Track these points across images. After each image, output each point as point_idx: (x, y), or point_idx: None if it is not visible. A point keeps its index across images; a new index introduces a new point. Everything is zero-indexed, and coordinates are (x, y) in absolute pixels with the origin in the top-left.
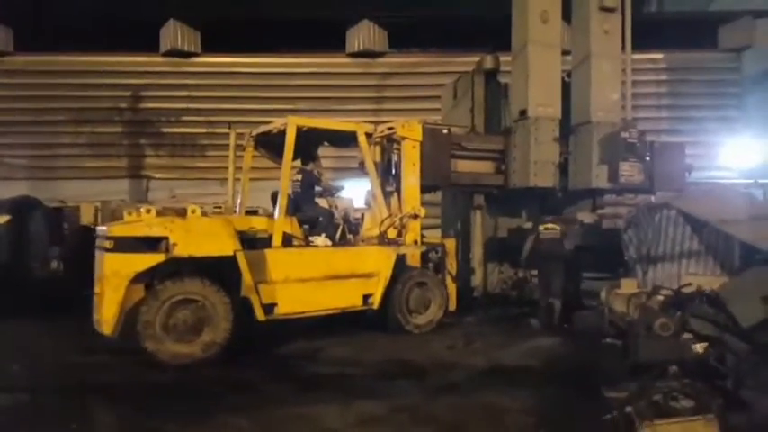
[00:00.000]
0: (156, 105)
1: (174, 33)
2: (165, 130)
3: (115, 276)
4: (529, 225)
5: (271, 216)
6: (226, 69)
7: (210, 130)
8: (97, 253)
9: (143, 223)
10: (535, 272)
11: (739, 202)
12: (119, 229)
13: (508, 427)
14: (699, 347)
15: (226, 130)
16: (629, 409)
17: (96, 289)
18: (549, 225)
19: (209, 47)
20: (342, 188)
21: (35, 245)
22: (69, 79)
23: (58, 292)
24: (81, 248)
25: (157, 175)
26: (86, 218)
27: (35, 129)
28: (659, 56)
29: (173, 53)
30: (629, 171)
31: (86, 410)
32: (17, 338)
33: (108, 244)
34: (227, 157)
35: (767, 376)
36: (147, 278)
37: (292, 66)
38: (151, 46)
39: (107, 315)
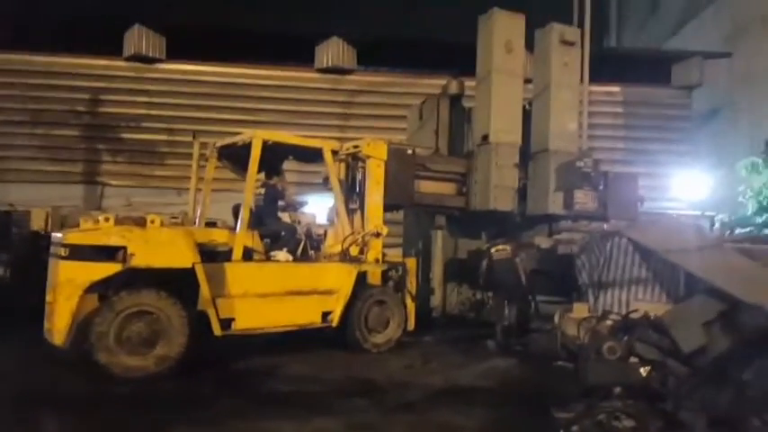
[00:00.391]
0: (116, 110)
1: (138, 38)
2: (123, 135)
3: (69, 285)
4: (486, 247)
5: (231, 229)
6: (190, 77)
7: (171, 138)
8: (51, 260)
9: (100, 231)
10: (490, 294)
11: (686, 232)
12: (75, 237)
13: None
14: (643, 371)
15: (186, 139)
16: (575, 428)
17: (48, 297)
18: (500, 246)
19: (175, 54)
20: (305, 203)
21: None
22: (27, 79)
23: (3, 300)
24: (30, 254)
25: (113, 182)
26: (37, 223)
27: None
28: (616, 89)
29: (136, 58)
30: (583, 199)
31: (37, 423)
32: None
33: (63, 251)
34: (187, 166)
35: (705, 398)
36: (102, 288)
37: (259, 77)
38: (114, 49)
39: (59, 325)
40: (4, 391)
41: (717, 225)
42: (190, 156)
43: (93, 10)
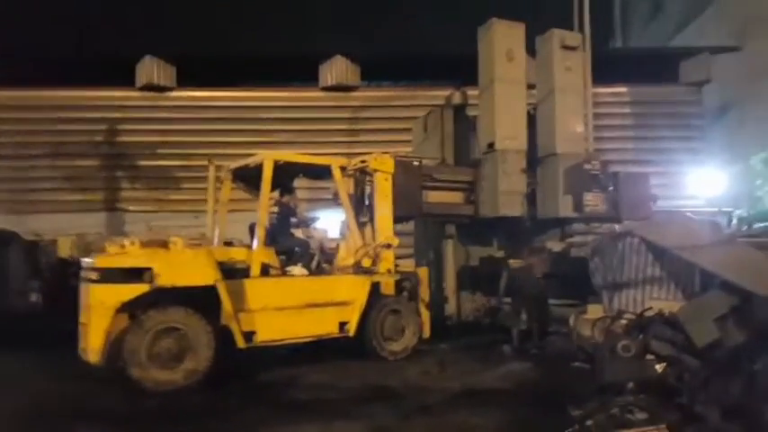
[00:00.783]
0: (132, 139)
1: (150, 68)
2: (140, 163)
3: (101, 306)
4: (500, 254)
5: (248, 247)
6: (201, 103)
7: (185, 163)
8: (82, 284)
9: (127, 255)
10: (508, 300)
11: (700, 229)
12: (104, 261)
13: None
14: (658, 367)
15: (200, 163)
16: (589, 422)
17: (82, 319)
18: (515, 261)
19: (185, 82)
20: (317, 219)
21: (14, 278)
22: (47, 113)
23: (38, 325)
24: (59, 281)
25: (132, 208)
26: (64, 251)
27: (12, 163)
28: (623, 89)
29: (149, 88)
30: (593, 201)
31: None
32: (5, 369)
33: (94, 275)
34: (202, 189)
35: (718, 390)
36: (131, 307)
37: (267, 99)
38: (128, 81)
39: (94, 344)
40: (49, 406)
41: (734, 220)
42: (204, 179)
43: (106, 44)
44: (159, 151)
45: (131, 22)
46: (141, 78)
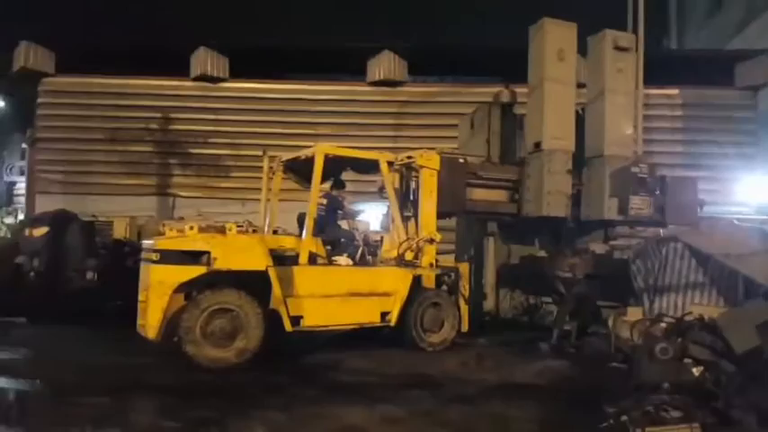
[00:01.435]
0: (184, 127)
1: (204, 59)
2: (192, 150)
3: (160, 286)
4: (542, 254)
5: (296, 236)
6: (252, 94)
7: (235, 153)
8: (143, 264)
9: (187, 238)
10: (546, 298)
11: (747, 236)
12: (165, 243)
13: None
14: (695, 371)
15: (249, 153)
16: (623, 418)
17: (141, 297)
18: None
19: (237, 73)
20: (362, 212)
21: (72, 256)
22: (105, 100)
23: (94, 302)
24: (114, 261)
25: (183, 194)
26: (118, 232)
27: (72, 146)
28: (675, 91)
29: (202, 78)
30: (639, 204)
31: (139, 402)
32: (65, 344)
33: (154, 256)
34: (250, 178)
35: (756, 397)
36: (187, 288)
37: (315, 92)
38: (182, 71)
39: (152, 321)
40: (110, 378)
41: None
42: (252, 168)
43: (163, 35)
44: (210, 140)
45: (187, 14)
46: (196, 69)
